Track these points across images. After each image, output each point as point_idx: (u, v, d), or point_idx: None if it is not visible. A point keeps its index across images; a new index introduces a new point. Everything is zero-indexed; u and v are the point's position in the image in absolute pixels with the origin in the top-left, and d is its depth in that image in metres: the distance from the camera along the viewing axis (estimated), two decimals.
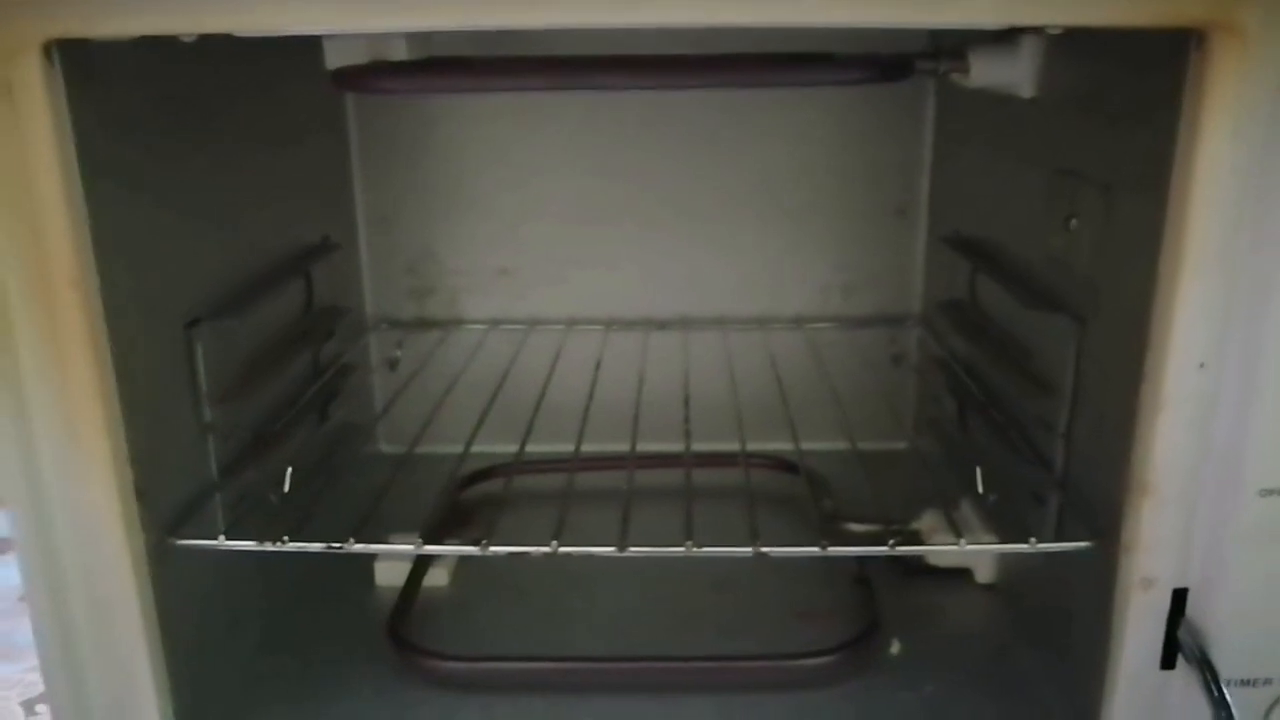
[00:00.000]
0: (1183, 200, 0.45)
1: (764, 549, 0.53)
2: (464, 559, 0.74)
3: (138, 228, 0.52)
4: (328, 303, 0.78)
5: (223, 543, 0.54)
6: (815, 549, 0.53)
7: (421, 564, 0.72)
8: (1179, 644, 0.52)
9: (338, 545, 0.54)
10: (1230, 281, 0.46)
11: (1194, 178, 0.45)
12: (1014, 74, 0.61)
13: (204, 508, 0.57)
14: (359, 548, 0.54)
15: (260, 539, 0.54)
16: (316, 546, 0.54)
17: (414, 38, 0.60)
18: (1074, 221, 0.57)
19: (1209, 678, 0.50)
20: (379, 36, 0.57)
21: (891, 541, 0.54)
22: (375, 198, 0.87)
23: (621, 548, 0.53)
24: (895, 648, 0.65)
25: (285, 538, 0.54)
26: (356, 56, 0.59)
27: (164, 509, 0.54)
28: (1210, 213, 0.45)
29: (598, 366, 0.80)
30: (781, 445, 0.69)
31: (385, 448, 0.91)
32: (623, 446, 0.66)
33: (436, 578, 0.73)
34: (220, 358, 0.59)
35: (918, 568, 0.72)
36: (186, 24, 0.43)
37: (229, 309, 0.60)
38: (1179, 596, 0.51)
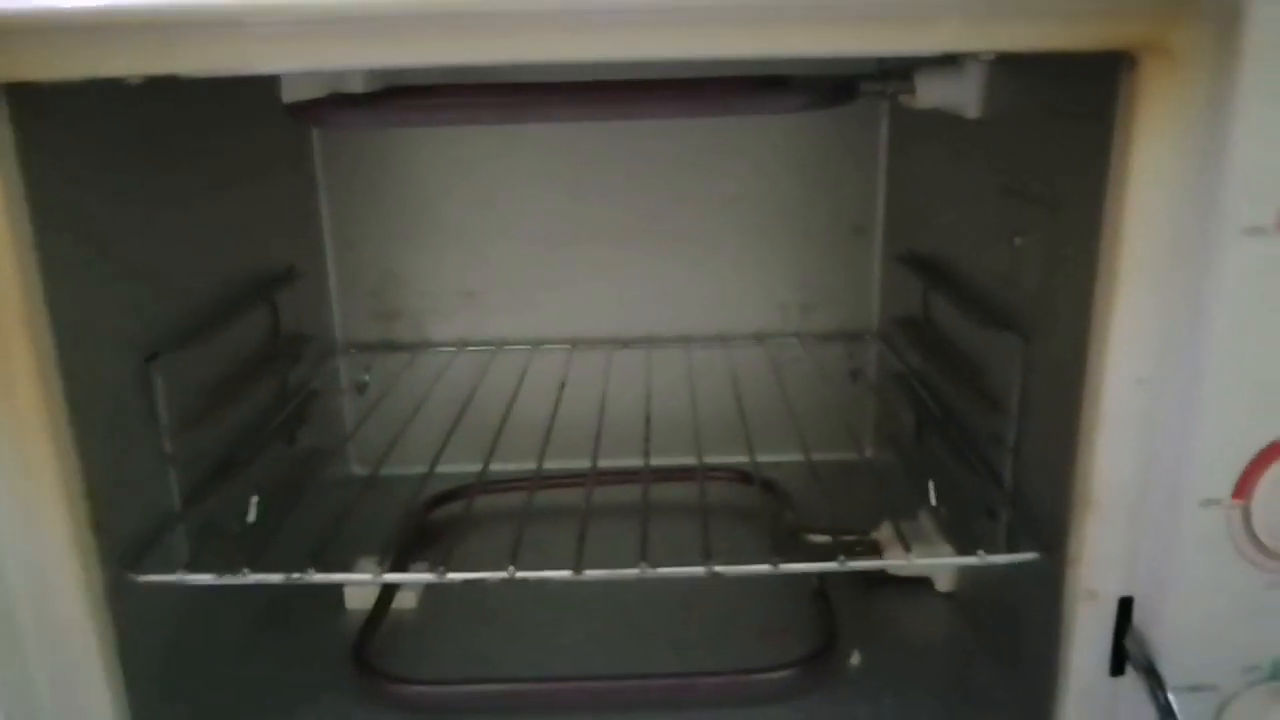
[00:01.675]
0: (1117, 216, 0.46)
1: (717, 568, 0.53)
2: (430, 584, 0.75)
3: (92, 264, 0.52)
4: (294, 329, 0.78)
5: (183, 577, 0.54)
6: (767, 566, 0.54)
7: (389, 587, 0.73)
8: (1126, 652, 0.52)
9: (297, 575, 0.54)
10: (1166, 297, 0.47)
11: (1128, 194, 0.45)
12: (959, 95, 0.62)
13: (165, 539, 0.57)
14: (319, 578, 0.54)
15: (221, 571, 0.54)
16: (276, 578, 0.54)
17: (372, 70, 0.61)
18: (1018, 240, 0.58)
19: (1155, 686, 0.50)
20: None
21: (842, 557, 0.55)
22: (341, 223, 0.88)
23: (578, 571, 0.54)
24: (855, 659, 0.65)
25: (245, 570, 0.54)
26: (314, 90, 0.60)
27: (123, 542, 0.54)
28: (1144, 228, 0.46)
29: (562, 386, 0.80)
30: (743, 459, 0.70)
31: (357, 470, 0.91)
32: (586, 463, 0.67)
33: (405, 600, 0.73)
34: (181, 389, 0.60)
35: (879, 578, 0.73)
36: (129, 66, 0.43)
37: (189, 342, 0.60)
38: (1125, 606, 0.52)
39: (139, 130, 0.57)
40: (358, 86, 0.60)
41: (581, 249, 0.88)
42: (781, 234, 0.88)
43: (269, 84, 0.57)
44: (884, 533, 0.73)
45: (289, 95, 0.59)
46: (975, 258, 0.66)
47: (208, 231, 0.66)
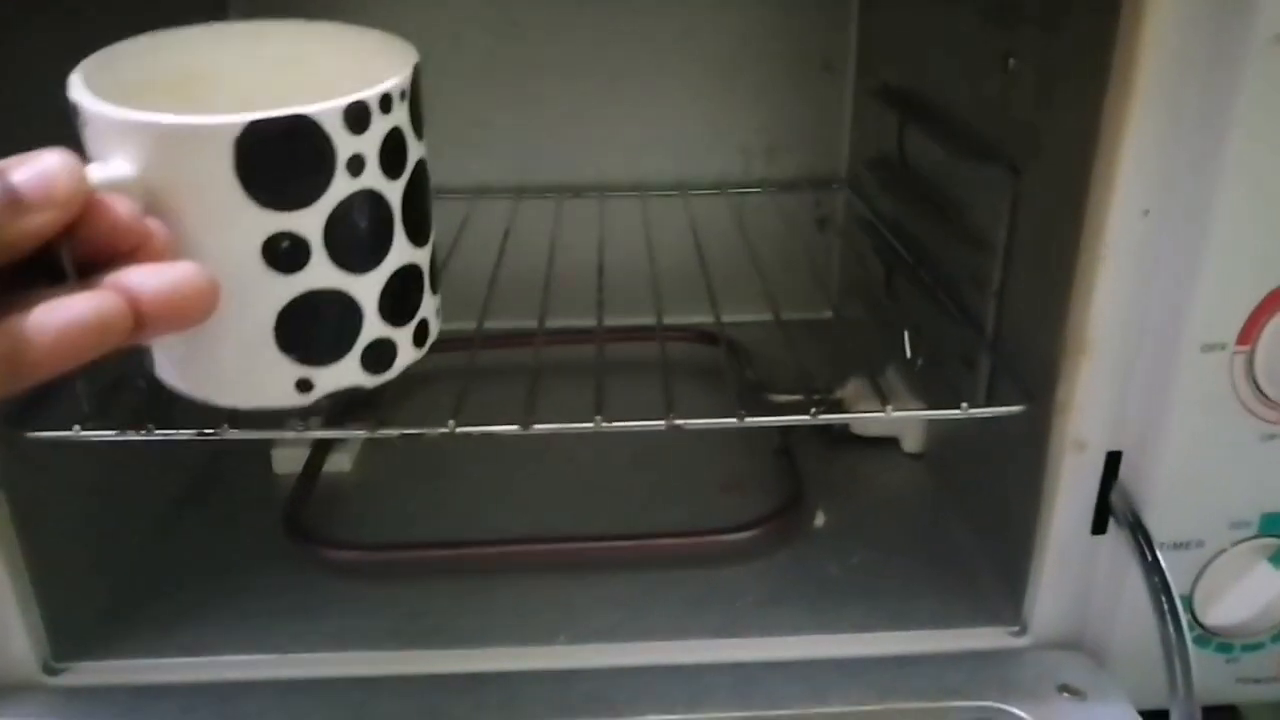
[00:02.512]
0: (1133, 26, 0.41)
1: (678, 421, 0.49)
2: (368, 442, 0.70)
3: None
4: None
5: (78, 434, 0.48)
6: (732, 419, 0.49)
7: (321, 449, 0.68)
8: (1110, 508, 0.50)
9: (211, 431, 0.48)
10: (1179, 119, 0.42)
11: (1147, 2, 0.40)
12: None
13: (61, 396, 0.51)
14: (235, 434, 0.48)
15: (123, 428, 0.49)
16: (187, 434, 0.48)
17: None
18: (1012, 61, 0.53)
19: (1142, 541, 0.48)
20: None
21: (814, 410, 0.51)
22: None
23: (525, 426, 0.49)
24: (820, 520, 0.63)
25: (150, 426, 0.48)
26: None
27: (11, 400, 0.48)
28: (1164, 41, 0.41)
29: (506, 235, 0.74)
30: (702, 317, 0.65)
31: None
32: (534, 323, 0.61)
33: (338, 463, 0.68)
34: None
35: (843, 437, 0.70)
36: None
37: None
38: (1112, 459, 0.49)
39: None
40: None
41: (525, 88, 0.81)
42: (743, 70, 0.81)
43: None
44: (849, 390, 0.69)
45: None
46: (959, 88, 0.61)
47: None
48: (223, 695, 0.50)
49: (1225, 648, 0.52)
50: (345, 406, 0.60)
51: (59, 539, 0.51)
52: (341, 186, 0.36)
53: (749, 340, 0.75)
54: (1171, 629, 0.46)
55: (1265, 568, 0.50)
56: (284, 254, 0.36)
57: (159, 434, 0.48)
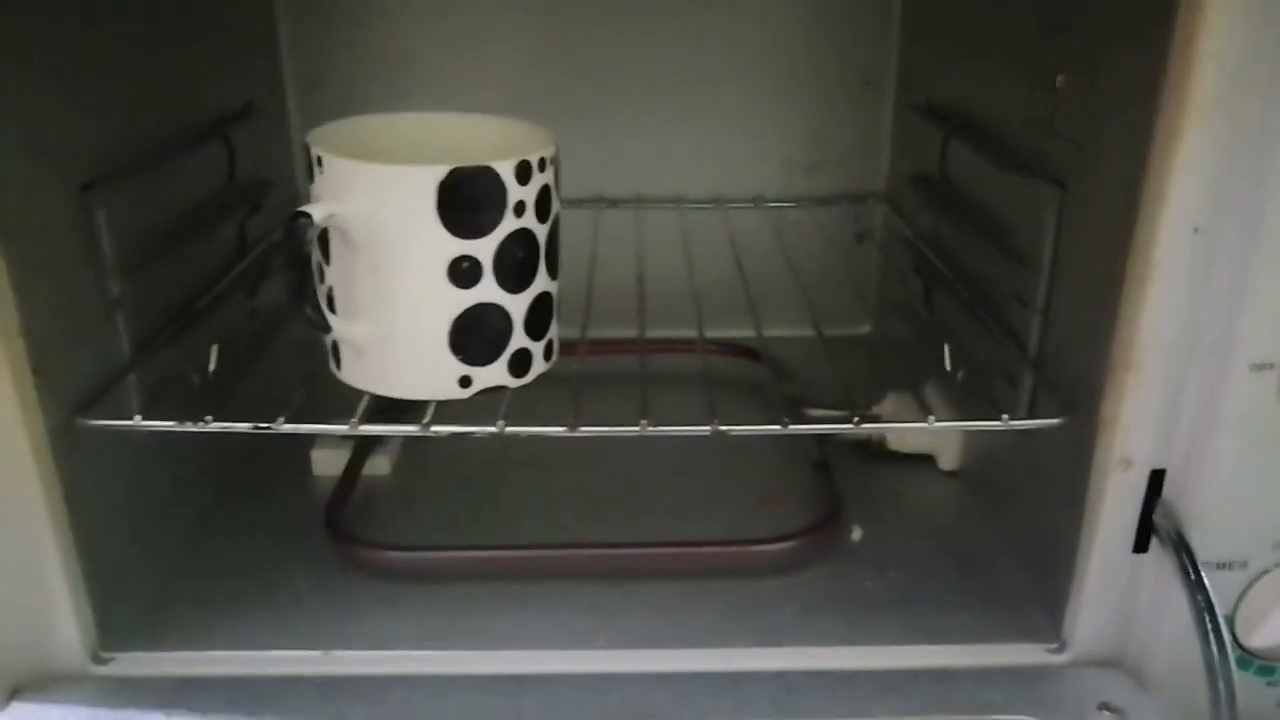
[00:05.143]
0: (1188, 44, 0.41)
1: (723, 427, 0.49)
2: (407, 447, 0.71)
3: (28, 84, 0.46)
4: (254, 174, 0.72)
5: (138, 423, 0.49)
6: (776, 427, 0.49)
7: (361, 451, 0.68)
8: (1154, 526, 0.50)
9: (265, 425, 0.49)
10: (1234, 135, 0.42)
11: (1203, 18, 0.41)
12: None
13: (118, 389, 0.52)
14: (288, 428, 0.49)
15: (181, 419, 0.49)
16: (243, 426, 0.49)
17: None
18: (1061, 78, 0.53)
19: (1186, 560, 0.48)
20: None
21: (856, 419, 0.51)
22: (303, 58, 0.80)
23: (573, 428, 0.49)
24: (857, 534, 0.62)
25: (208, 418, 0.49)
26: None
27: (69, 389, 0.49)
28: (1219, 58, 0.41)
29: None
30: (741, 331, 0.65)
31: None
32: (575, 332, 0.62)
33: (378, 466, 0.69)
34: (129, 228, 0.54)
35: (880, 453, 0.70)
36: None
37: (130, 172, 0.54)
38: (1156, 477, 0.49)
39: None
40: None
41: (567, 98, 0.81)
42: (784, 85, 0.81)
43: None
44: (887, 406, 0.70)
45: None
46: (1004, 104, 0.61)
47: (155, 57, 0.59)
48: (265, 690, 0.50)
49: (1267, 670, 0.51)
50: (387, 411, 0.61)
51: (108, 531, 0.52)
52: (509, 223, 0.47)
53: (786, 355, 0.75)
54: (1215, 650, 0.46)
55: None
56: (464, 273, 0.47)
57: (216, 425, 0.49)
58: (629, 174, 0.83)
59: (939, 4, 0.73)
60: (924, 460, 0.70)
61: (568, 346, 0.58)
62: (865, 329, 0.78)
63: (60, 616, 0.49)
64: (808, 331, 0.62)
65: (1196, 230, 0.44)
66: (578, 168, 0.82)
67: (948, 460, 0.70)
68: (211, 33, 0.67)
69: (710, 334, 0.63)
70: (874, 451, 0.70)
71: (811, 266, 0.75)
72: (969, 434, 0.68)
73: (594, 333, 0.62)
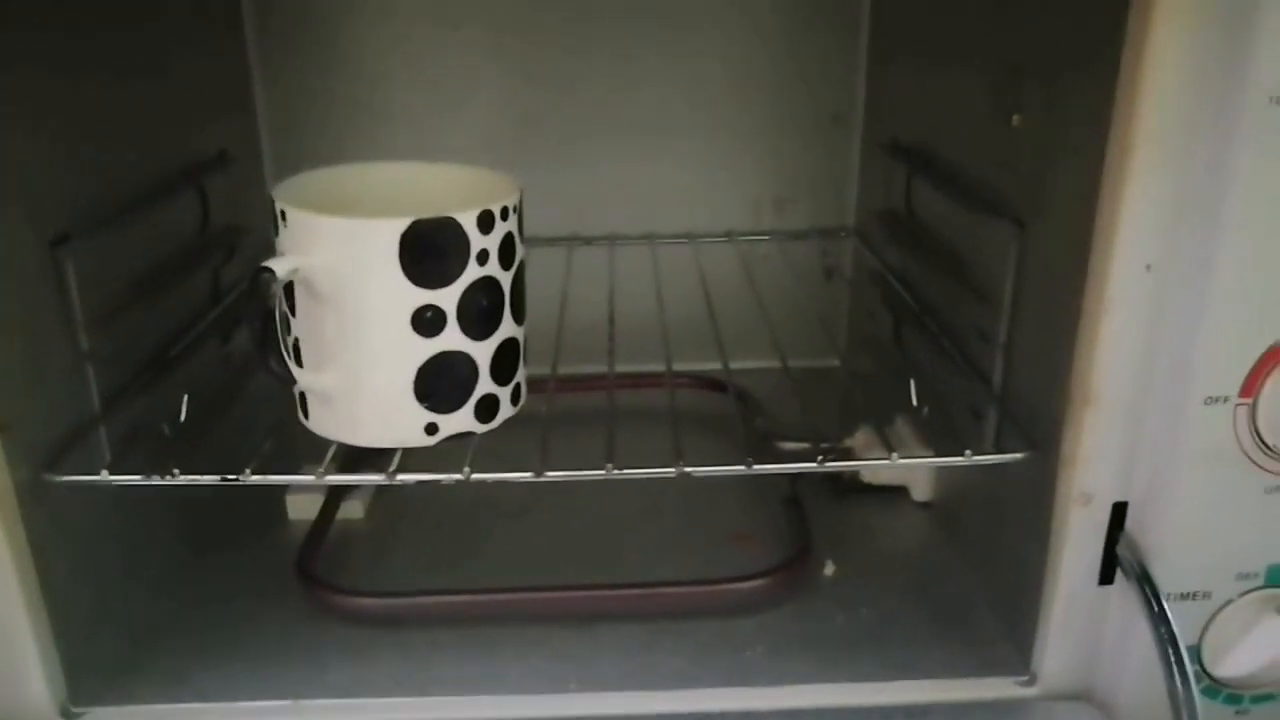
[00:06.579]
0: (1132, 86, 0.42)
1: (688, 468, 0.50)
2: (380, 491, 0.71)
3: None
4: (228, 221, 0.72)
5: (105, 478, 0.49)
6: (741, 467, 0.50)
7: (335, 496, 0.69)
8: (1118, 559, 0.50)
9: (233, 477, 0.49)
10: (1181, 177, 0.43)
11: (1146, 61, 0.42)
12: None
13: (86, 441, 0.52)
14: (256, 479, 0.49)
15: (148, 473, 0.50)
16: (210, 479, 0.50)
17: None
18: (1016, 118, 0.54)
19: (1149, 593, 0.48)
20: None
21: (821, 457, 0.51)
22: (276, 105, 0.81)
23: (539, 473, 0.49)
24: (829, 569, 0.63)
25: (176, 470, 0.49)
26: None
27: (37, 445, 0.49)
28: (1162, 97, 0.42)
29: None
30: (711, 364, 0.66)
31: None
32: (545, 369, 0.62)
33: (351, 510, 0.69)
34: (100, 281, 0.54)
35: (852, 486, 0.71)
36: None
37: (102, 226, 0.54)
38: (1118, 510, 0.50)
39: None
40: None
41: (536, 137, 0.82)
42: (753, 121, 0.82)
43: None
44: (858, 439, 0.70)
45: None
46: (965, 143, 0.62)
47: (127, 108, 0.59)
48: None
49: (1234, 699, 0.52)
50: (360, 454, 0.62)
51: (78, 585, 0.52)
52: (472, 272, 0.48)
53: (757, 388, 0.76)
54: (1179, 680, 0.46)
55: (1274, 619, 0.50)
56: (428, 322, 0.47)
57: (183, 479, 0.49)
58: (602, 212, 0.84)
59: (904, 42, 0.74)
60: (898, 491, 0.71)
61: (537, 384, 0.59)
62: (835, 362, 0.78)
63: (29, 671, 0.49)
64: (778, 364, 0.63)
65: (1148, 268, 0.45)
66: (552, 207, 0.83)
67: (920, 492, 0.70)
68: (185, 82, 0.68)
69: (682, 368, 0.64)
70: (847, 484, 0.71)
71: (782, 300, 0.76)
72: (940, 467, 0.68)
73: (565, 368, 0.63)
